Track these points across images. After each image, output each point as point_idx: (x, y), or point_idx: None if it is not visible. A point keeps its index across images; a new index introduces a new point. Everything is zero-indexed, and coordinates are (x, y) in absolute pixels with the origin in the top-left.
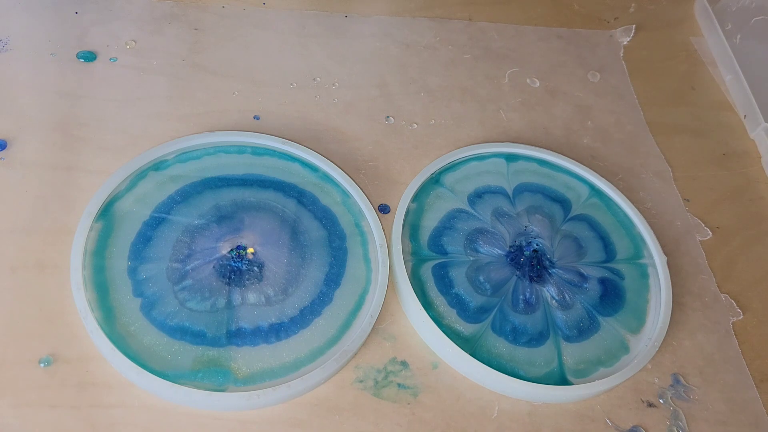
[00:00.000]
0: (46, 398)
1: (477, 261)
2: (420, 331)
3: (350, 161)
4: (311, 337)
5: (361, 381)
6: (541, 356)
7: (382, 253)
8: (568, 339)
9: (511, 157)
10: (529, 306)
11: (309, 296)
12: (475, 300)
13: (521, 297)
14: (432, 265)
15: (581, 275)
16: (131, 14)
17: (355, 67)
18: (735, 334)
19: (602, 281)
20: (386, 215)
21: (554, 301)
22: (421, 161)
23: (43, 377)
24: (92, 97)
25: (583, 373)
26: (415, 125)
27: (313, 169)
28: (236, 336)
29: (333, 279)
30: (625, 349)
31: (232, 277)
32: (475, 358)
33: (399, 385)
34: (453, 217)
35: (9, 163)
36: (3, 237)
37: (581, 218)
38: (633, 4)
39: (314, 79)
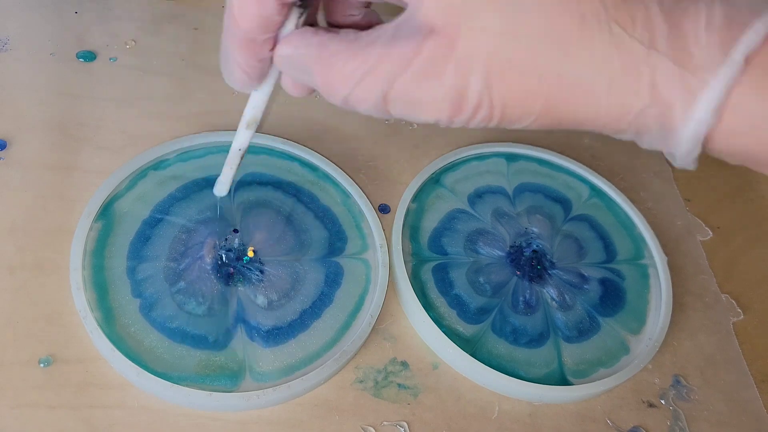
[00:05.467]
0: (45, 398)
1: (477, 262)
2: (420, 331)
3: (350, 161)
4: (311, 338)
5: (361, 381)
6: (541, 357)
7: (382, 254)
8: (568, 340)
9: (511, 157)
10: (529, 307)
11: (309, 297)
12: (475, 301)
13: (521, 298)
14: (432, 266)
15: (581, 276)
16: (131, 14)
17: None
18: (736, 335)
19: (602, 282)
20: (386, 215)
21: (554, 302)
22: (421, 161)
23: (42, 377)
24: (92, 96)
25: (584, 374)
26: (415, 125)
27: (313, 168)
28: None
29: (333, 279)
30: (625, 349)
31: (232, 277)
32: (475, 358)
33: (399, 385)
34: (453, 217)
35: (9, 163)
36: (2, 237)
37: (582, 218)
38: None
39: None
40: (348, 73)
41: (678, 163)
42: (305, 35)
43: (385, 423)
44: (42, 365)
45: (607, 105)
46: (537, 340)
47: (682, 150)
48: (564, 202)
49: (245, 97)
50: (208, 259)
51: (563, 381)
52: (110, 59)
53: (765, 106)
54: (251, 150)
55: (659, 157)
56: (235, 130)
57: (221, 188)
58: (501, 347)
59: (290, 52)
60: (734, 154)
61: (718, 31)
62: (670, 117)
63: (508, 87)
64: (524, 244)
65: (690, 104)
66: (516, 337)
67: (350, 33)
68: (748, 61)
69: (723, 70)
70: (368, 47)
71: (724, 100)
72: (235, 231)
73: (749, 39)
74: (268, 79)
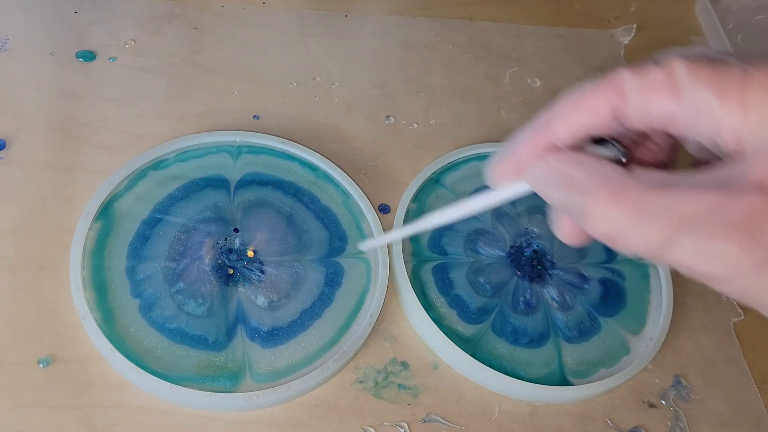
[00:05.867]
0: (45, 398)
1: (477, 262)
2: (420, 331)
3: (350, 161)
4: (311, 338)
5: (361, 381)
6: (542, 357)
7: (382, 254)
8: (568, 340)
9: None
10: (530, 307)
11: (309, 297)
12: (475, 301)
13: (521, 298)
14: (432, 266)
15: (582, 276)
16: (131, 13)
17: (355, 66)
18: (736, 335)
19: (603, 282)
20: (386, 215)
21: (554, 302)
22: (422, 161)
23: (42, 378)
24: (91, 96)
25: (584, 374)
26: (416, 125)
27: (313, 168)
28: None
29: (333, 279)
30: (625, 349)
31: (231, 278)
32: (475, 358)
33: (399, 385)
34: None
35: (8, 163)
36: (2, 237)
37: None
38: (634, 4)
39: (314, 79)
40: (642, 206)
41: None
42: (591, 161)
43: (385, 423)
44: (41, 365)
45: None
46: (537, 340)
47: None
48: None
49: (245, 96)
50: (208, 260)
51: (563, 381)
52: (110, 59)
53: None
54: (251, 150)
55: None
56: (234, 130)
57: (368, 245)
58: (501, 347)
59: (567, 169)
60: None
61: None
62: None
63: None
64: (524, 244)
65: None
66: (516, 337)
67: (645, 173)
68: None
69: None
70: (674, 186)
71: None
72: (236, 230)
73: None
74: (515, 188)
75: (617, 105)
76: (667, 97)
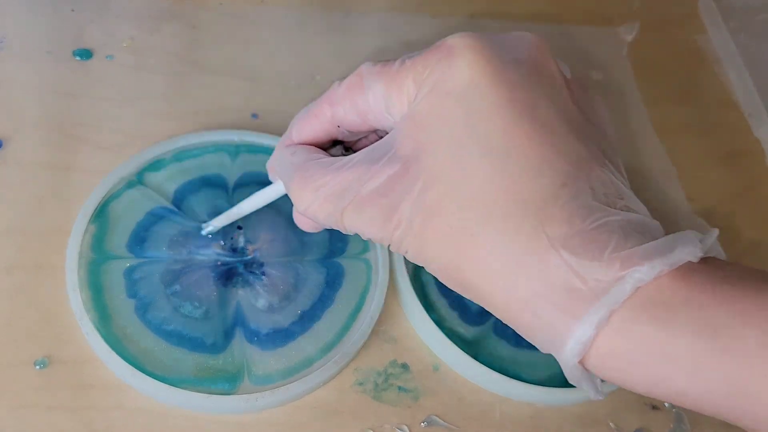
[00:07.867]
0: (41, 400)
1: None
2: (421, 333)
3: None
4: (311, 340)
5: (361, 384)
6: (544, 359)
7: (383, 254)
8: None
9: None
10: None
11: (309, 298)
12: None
13: None
14: None
15: None
16: (128, 12)
17: (356, 64)
18: None
19: None
20: None
21: None
22: None
23: (38, 379)
24: (89, 95)
25: None
26: None
27: None
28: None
29: (334, 280)
30: None
31: (231, 279)
32: (477, 360)
33: (399, 387)
34: None
35: (4, 163)
36: None
37: None
38: (637, 1)
39: (314, 78)
40: (317, 184)
41: (568, 374)
42: (304, 149)
43: (385, 426)
44: (38, 367)
45: (503, 285)
46: None
47: (566, 357)
48: None
49: (244, 95)
50: (206, 261)
51: (566, 383)
52: (107, 57)
53: (641, 334)
54: (250, 149)
55: (663, 157)
56: (233, 129)
57: (209, 229)
58: (503, 349)
59: (285, 155)
60: (609, 373)
61: (621, 258)
62: (555, 319)
63: (431, 226)
64: None
65: (576, 311)
66: (518, 338)
67: (331, 158)
68: (637, 291)
69: (614, 290)
70: (344, 165)
71: (606, 320)
72: (239, 228)
73: (645, 271)
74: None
75: (333, 113)
76: (361, 97)
